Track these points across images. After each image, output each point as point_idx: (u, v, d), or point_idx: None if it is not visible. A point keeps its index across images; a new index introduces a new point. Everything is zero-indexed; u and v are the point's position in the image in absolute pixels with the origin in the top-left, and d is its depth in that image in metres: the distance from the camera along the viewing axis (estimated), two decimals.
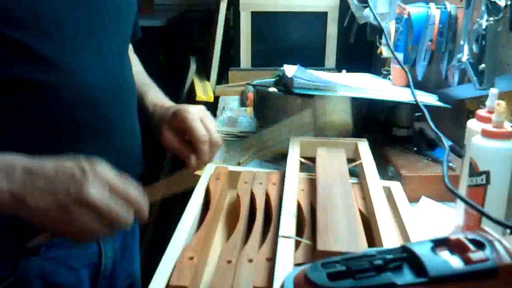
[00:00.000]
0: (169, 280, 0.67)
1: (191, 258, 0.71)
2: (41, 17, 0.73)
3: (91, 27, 0.80)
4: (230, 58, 2.17)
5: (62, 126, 0.77)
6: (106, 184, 0.65)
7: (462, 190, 0.88)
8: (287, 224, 0.78)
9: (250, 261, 0.72)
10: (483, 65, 1.11)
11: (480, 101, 1.14)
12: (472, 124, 0.89)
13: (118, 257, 0.94)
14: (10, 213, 0.64)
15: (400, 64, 1.33)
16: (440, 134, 0.98)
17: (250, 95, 1.70)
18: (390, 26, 1.46)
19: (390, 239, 0.74)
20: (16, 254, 0.79)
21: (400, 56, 1.38)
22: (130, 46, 1.09)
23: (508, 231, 0.75)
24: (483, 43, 1.10)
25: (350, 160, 1.05)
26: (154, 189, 0.82)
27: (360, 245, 0.70)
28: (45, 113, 0.76)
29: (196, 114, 0.88)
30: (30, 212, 0.63)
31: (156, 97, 1.00)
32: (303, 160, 1.03)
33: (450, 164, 1.08)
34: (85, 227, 0.64)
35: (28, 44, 0.72)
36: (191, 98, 2.03)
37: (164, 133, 0.91)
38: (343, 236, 0.71)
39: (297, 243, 0.75)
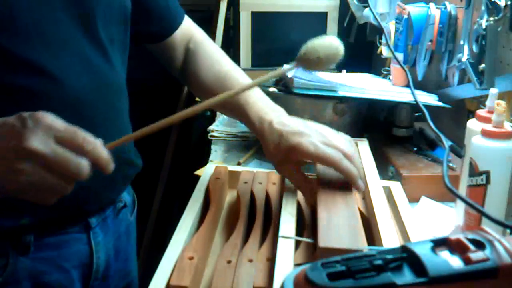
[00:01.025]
0: (169, 280, 0.67)
1: (191, 258, 0.71)
2: (19, 20, 0.71)
3: (72, 29, 0.77)
4: (230, 58, 2.17)
5: None
6: (50, 133, 0.61)
7: (462, 190, 0.88)
8: (287, 224, 0.78)
9: (250, 261, 0.72)
10: (483, 65, 1.11)
11: (480, 101, 1.14)
12: (472, 124, 0.89)
13: (112, 257, 0.93)
14: None
15: (400, 64, 1.33)
16: (440, 134, 0.98)
17: None
18: (390, 26, 1.46)
19: (390, 239, 0.74)
20: (5, 254, 0.78)
21: (400, 56, 1.38)
22: (197, 35, 1.05)
23: (508, 231, 0.75)
24: (483, 43, 1.10)
25: None
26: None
27: (361, 242, 0.70)
28: None
29: (314, 140, 0.82)
30: None
31: (260, 106, 0.90)
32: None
33: (450, 164, 1.08)
34: (33, 181, 0.60)
35: (6, 47, 0.70)
36: (192, 98, 2.03)
37: (282, 169, 0.86)
38: (344, 234, 0.71)
39: (297, 243, 0.75)
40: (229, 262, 0.71)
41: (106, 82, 0.83)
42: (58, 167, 0.61)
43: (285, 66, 0.81)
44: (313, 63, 0.78)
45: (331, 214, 0.76)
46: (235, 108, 0.92)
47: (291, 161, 0.85)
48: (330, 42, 0.79)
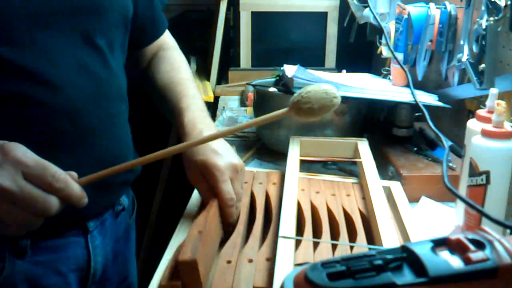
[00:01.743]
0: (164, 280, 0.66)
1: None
2: (17, 28, 0.71)
3: (70, 37, 0.77)
4: (230, 58, 2.17)
5: (38, 137, 0.74)
6: (19, 168, 0.61)
7: (462, 190, 0.88)
8: (287, 224, 0.78)
9: (250, 261, 0.72)
10: (483, 65, 1.11)
11: (480, 101, 1.14)
12: (472, 124, 0.89)
13: (110, 261, 0.92)
14: None
15: (400, 64, 1.33)
16: (440, 134, 0.98)
17: (250, 95, 1.70)
18: (390, 26, 1.46)
19: (390, 239, 0.74)
20: (2, 257, 0.78)
21: (400, 56, 1.38)
22: (169, 43, 1.05)
23: (508, 231, 0.75)
24: (483, 43, 1.10)
25: (350, 160, 1.05)
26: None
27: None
28: (20, 123, 0.73)
29: (226, 173, 0.80)
30: None
31: (194, 116, 0.89)
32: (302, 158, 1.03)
33: (450, 164, 1.08)
34: (2, 218, 0.60)
35: (4, 55, 0.70)
36: None
37: (190, 175, 0.83)
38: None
39: (297, 243, 0.75)
40: (229, 262, 0.71)
41: (105, 89, 0.83)
42: (25, 204, 0.61)
43: (275, 113, 0.75)
44: (304, 112, 0.72)
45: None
46: (174, 111, 0.91)
47: (201, 172, 0.82)
48: (325, 91, 0.72)
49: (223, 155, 0.81)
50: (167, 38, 1.08)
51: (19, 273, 0.79)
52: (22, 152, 0.62)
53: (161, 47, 1.05)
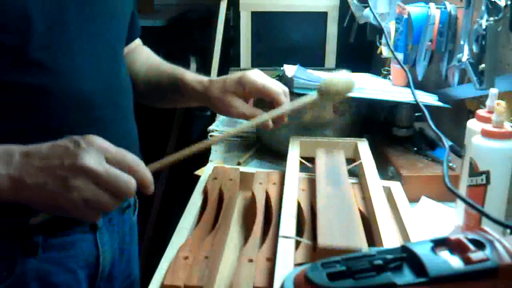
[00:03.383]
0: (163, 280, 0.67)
1: (186, 258, 0.71)
2: (34, 21, 0.72)
3: (82, 29, 0.79)
4: (230, 58, 2.17)
5: (53, 129, 0.76)
6: (102, 153, 0.64)
7: (462, 190, 0.88)
8: (287, 224, 0.78)
9: (250, 261, 0.72)
10: (483, 65, 1.11)
11: (480, 101, 1.14)
12: (472, 124, 0.89)
13: (117, 258, 0.94)
14: (11, 198, 0.64)
15: (400, 64, 1.33)
16: (440, 134, 0.98)
17: None
18: (390, 26, 1.46)
19: (390, 239, 0.75)
20: (13, 255, 0.79)
21: (400, 56, 1.38)
22: (138, 41, 1.09)
23: (508, 231, 0.75)
24: (483, 43, 1.10)
25: (350, 160, 1.05)
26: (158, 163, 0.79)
27: (360, 242, 0.70)
28: (36, 116, 0.75)
29: (260, 75, 0.92)
30: (29, 191, 0.64)
31: (195, 76, 0.99)
32: (303, 160, 1.03)
33: (450, 164, 1.08)
34: (85, 197, 0.63)
35: (20, 47, 0.71)
36: None
37: (231, 101, 0.93)
38: (343, 234, 0.71)
39: (297, 243, 0.75)
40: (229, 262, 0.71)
41: (115, 82, 0.85)
42: (110, 184, 0.64)
43: (304, 99, 0.92)
44: (330, 98, 0.92)
45: (330, 213, 0.76)
46: (174, 85, 0.99)
47: (239, 95, 0.93)
48: (348, 82, 0.90)
49: (248, 71, 0.94)
50: (138, 41, 1.11)
51: (30, 271, 0.80)
52: (103, 140, 0.66)
53: (135, 49, 1.08)
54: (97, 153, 0.64)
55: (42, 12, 0.73)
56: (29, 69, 0.73)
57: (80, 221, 0.85)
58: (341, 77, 0.90)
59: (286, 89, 0.94)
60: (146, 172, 0.68)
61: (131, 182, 0.65)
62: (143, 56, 1.07)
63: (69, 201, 0.63)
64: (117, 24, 0.88)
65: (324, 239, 0.69)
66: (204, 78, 0.97)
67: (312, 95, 0.90)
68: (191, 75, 0.99)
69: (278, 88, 0.92)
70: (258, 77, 0.92)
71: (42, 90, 0.75)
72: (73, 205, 0.64)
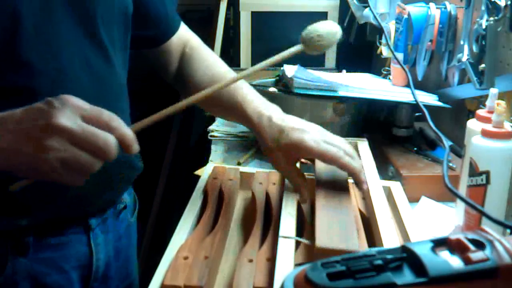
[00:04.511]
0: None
1: (186, 258, 0.71)
2: (21, 21, 0.71)
3: (73, 30, 0.77)
4: (230, 58, 2.17)
5: None
6: (76, 111, 0.63)
7: (462, 190, 0.88)
8: (287, 224, 0.78)
9: (250, 261, 0.72)
10: (483, 65, 1.11)
11: (480, 101, 1.14)
12: (472, 124, 0.89)
13: (112, 258, 0.93)
14: None
15: (400, 64, 1.33)
16: (440, 134, 0.98)
17: None
18: (390, 26, 1.46)
19: (390, 239, 0.75)
20: (4, 254, 0.78)
21: (400, 56, 1.38)
22: (194, 41, 1.05)
23: (508, 231, 0.75)
24: (483, 43, 1.10)
25: None
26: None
27: (359, 243, 0.70)
28: None
29: (316, 137, 0.85)
30: (5, 156, 0.62)
31: (257, 103, 0.91)
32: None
33: (450, 164, 1.08)
34: (63, 157, 0.61)
35: (7, 48, 0.71)
36: None
37: (278, 157, 0.87)
38: (342, 234, 0.71)
39: (297, 243, 0.75)
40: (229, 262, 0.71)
41: (106, 84, 0.83)
42: (86, 142, 0.62)
43: (289, 50, 0.90)
44: (314, 48, 0.90)
45: (329, 214, 0.76)
46: (232, 106, 0.92)
47: (290, 157, 0.87)
48: (336, 33, 0.90)
49: (304, 130, 0.86)
50: (190, 35, 1.06)
51: (21, 270, 0.79)
52: (77, 99, 0.64)
53: (186, 45, 1.04)
54: (71, 112, 0.62)
55: (29, 10, 0.72)
56: (18, 70, 0.72)
57: (73, 222, 0.85)
58: (323, 22, 0.88)
59: (348, 148, 0.87)
60: (125, 128, 0.65)
61: (110, 139, 0.63)
62: (203, 65, 1.01)
63: (46, 162, 0.61)
64: (110, 25, 0.84)
65: (322, 240, 0.69)
66: (264, 112, 0.89)
67: (297, 46, 0.89)
68: (250, 106, 0.90)
69: (335, 152, 0.84)
70: (316, 144, 0.84)
71: (30, 92, 0.73)
72: (50, 167, 0.61)
